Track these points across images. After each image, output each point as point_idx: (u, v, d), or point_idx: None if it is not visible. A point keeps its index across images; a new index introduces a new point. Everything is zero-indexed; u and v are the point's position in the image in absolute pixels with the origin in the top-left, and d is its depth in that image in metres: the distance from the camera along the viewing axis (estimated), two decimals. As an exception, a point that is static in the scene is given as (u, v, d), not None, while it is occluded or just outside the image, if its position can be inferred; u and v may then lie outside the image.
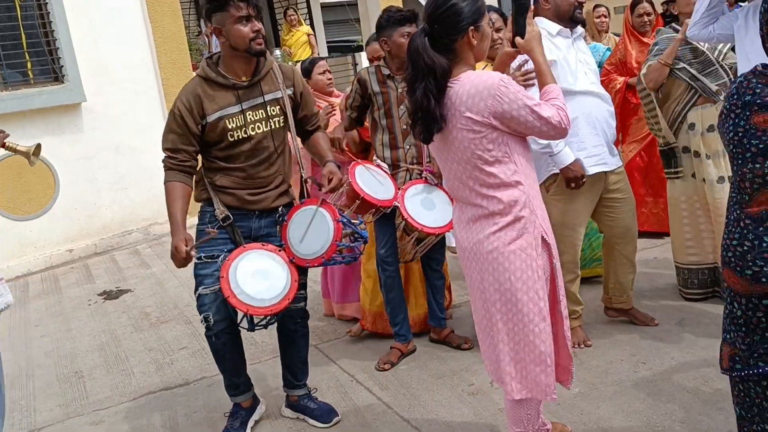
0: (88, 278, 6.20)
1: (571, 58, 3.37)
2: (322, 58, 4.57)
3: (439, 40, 2.27)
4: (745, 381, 2.03)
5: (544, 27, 3.33)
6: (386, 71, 3.61)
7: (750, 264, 1.89)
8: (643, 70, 3.90)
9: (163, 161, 2.95)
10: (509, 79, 2.21)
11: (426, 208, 3.42)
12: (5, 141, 3.25)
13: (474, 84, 2.20)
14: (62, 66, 6.82)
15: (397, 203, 3.41)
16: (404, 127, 3.58)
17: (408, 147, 3.61)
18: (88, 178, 7.03)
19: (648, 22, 5.01)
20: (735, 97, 1.90)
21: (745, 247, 1.89)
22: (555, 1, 3.36)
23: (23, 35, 6.67)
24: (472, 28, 2.27)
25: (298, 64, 10.08)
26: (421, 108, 2.25)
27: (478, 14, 2.28)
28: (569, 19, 3.38)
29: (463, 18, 2.25)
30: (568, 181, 3.29)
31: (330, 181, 2.95)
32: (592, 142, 3.39)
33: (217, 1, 2.80)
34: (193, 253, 2.81)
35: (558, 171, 3.35)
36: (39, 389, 4.01)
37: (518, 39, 2.44)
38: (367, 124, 3.88)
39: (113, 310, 5.24)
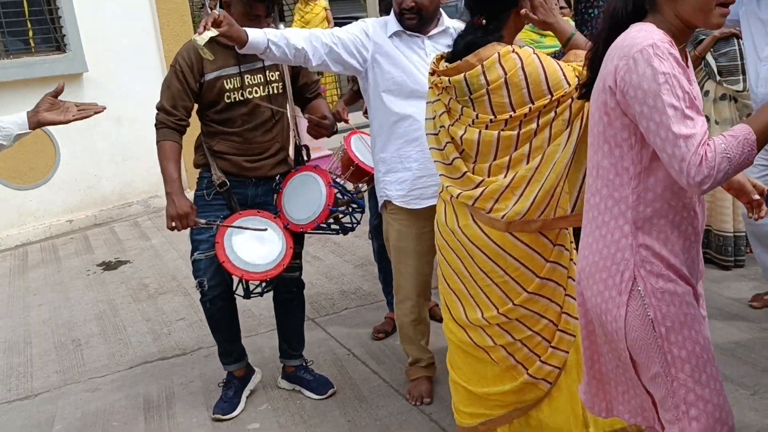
0: (87, 249, 6.20)
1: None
2: None
3: None
4: None
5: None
6: None
7: None
8: None
9: (157, 118, 2.89)
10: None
11: None
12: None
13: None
14: (64, 35, 6.76)
15: None
16: None
17: None
18: (89, 149, 6.99)
19: None
20: None
21: None
22: None
23: (25, 3, 6.61)
24: None
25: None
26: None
27: None
28: None
29: None
30: None
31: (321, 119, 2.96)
32: None
33: None
34: (201, 221, 2.83)
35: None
36: (36, 356, 4.02)
37: None
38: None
39: (111, 280, 5.25)
